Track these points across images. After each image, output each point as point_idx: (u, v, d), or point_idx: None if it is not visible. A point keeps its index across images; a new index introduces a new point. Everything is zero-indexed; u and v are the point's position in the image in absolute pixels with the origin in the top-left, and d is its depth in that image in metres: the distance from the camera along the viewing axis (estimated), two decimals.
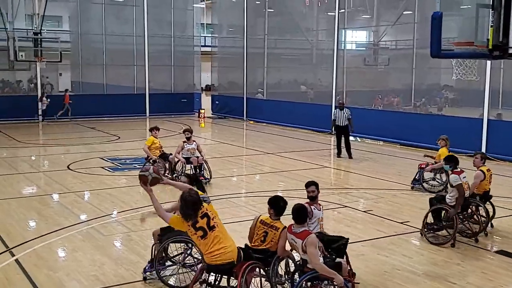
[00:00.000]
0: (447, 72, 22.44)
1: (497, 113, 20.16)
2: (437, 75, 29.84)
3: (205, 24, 44.08)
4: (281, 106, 26.09)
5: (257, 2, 29.25)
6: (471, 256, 8.29)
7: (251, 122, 27.67)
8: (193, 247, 7.19)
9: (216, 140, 22.41)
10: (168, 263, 7.24)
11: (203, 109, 30.00)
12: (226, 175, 14.33)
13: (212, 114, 30.50)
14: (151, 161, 13.06)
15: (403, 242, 8.92)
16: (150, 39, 29.75)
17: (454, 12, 12.74)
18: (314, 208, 6.98)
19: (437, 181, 12.55)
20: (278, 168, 15.45)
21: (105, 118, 27.70)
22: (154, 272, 7.02)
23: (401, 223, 9.94)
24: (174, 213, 6.26)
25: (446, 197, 8.94)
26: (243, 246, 6.28)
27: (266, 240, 6.39)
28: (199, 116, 29.52)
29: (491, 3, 7.56)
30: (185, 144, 13.22)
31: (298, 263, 6.35)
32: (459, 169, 8.96)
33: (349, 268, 6.66)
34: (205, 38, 42.18)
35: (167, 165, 13.21)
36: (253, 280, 6.13)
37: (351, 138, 17.62)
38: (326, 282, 5.96)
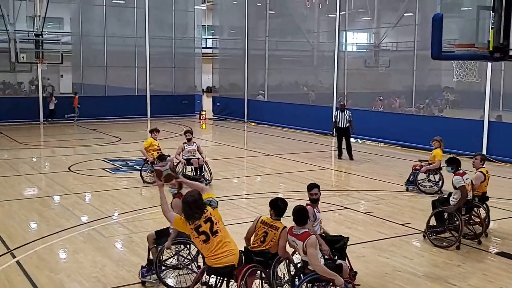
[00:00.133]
0: (447, 74, 22.48)
1: (498, 115, 20.14)
2: (437, 77, 29.85)
3: (206, 26, 44.08)
4: (282, 108, 26.11)
5: (258, 4, 29.27)
6: (472, 258, 8.28)
7: (252, 123, 27.69)
8: (185, 249, 7.20)
9: (217, 142, 22.42)
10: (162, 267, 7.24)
11: (204, 110, 30.04)
12: (227, 177, 14.34)
13: (213, 115, 30.53)
14: (148, 162, 13.12)
15: (404, 244, 8.92)
16: (151, 40, 29.80)
17: (454, 14, 12.79)
18: (316, 211, 6.99)
19: (432, 182, 12.55)
20: (279, 169, 15.46)
21: (106, 120, 27.74)
22: (153, 275, 7.02)
23: (402, 224, 9.95)
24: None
25: (450, 199, 8.91)
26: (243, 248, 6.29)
27: (266, 240, 6.39)
28: (200, 118, 29.57)
29: (491, 5, 7.57)
30: (185, 145, 13.24)
31: (299, 264, 6.36)
32: (461, 171, 8.92)
33: (349, 268, 6.67)
34: (206, 40, 42.18)
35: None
36: (253, 283, 6.14)
37: (352, 139, 17.63)
38: (326, 283, 5.96)
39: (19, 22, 27.07)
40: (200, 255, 7.18)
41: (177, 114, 29.87)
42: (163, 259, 7.22)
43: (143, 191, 12.58)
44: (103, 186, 13.03)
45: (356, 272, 7.03)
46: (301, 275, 6.11)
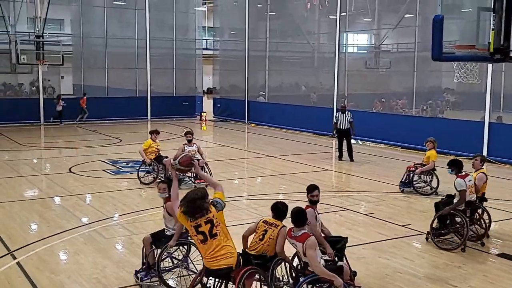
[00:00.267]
0: (448, 75, 22.45)
1: (498, 116, 20.14)
2: (438, 78, 29.82)
3: (206, 27, 44.12)
4: (282, 109, 26.11)
5: (258, 5, 29.27)
6: (473, 259, 8.28)
7: (253, 125, 27.69)
8: (176, 251, 7.18)
9: (217, 143, 22.43)
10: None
11: (205, 112, 30.05)
12: (227, 178, 14.33)
13: (213, 117, 30.54)
14: (146, 163, 13.18)
15: (405, 245, 8.92)
16: (152, 42, 29.81)
17: (455, 15, 12.78)
18: (317, 213, 6.99)
19: (424, 183, 12.55)
20: (279, 171, 15.46)
21: (107, 121, 27.75)
22: (153, 278, 7.01)
23: (403, 226, 9.94)
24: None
25: (454, 201, 8.88)
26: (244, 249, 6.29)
27: (264, 238, 6.40)
28: (200, 119, 29.57)
29: (492, 7, 7.58)
30: (186, 146, 13.24)
31: (300, 266, 6.35)
32: (463, 173, 8.87)
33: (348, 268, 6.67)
34: (206, 41, 42.20)
35: (160, 167, 13.23)
36: (252, 285, 6.14)
37: (352, 141, 17.62)
38: (326, 285, 5.96)
39: (19, 24, 27.07)
40: (191, 255, 7.22)
41: (177, 116, 29.88)
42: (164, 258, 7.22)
43: (143, 192, 12.58)
44: (103, 187, 13.04)
45: (355, 272, 7.02)
46: (302, 276, 6.11)
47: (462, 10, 12.68)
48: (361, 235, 9.36)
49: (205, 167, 13.21)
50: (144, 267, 7.19)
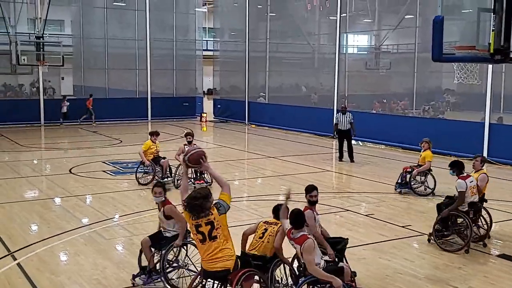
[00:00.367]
0: (448, 76, 22.45)
1: (499, 117, 20.14)
2: (438, 79, 29.83)
3: (207, 28, 44.13)
4: (282, 110, 26.10)
5: (258, 6, 29.27)
6: (473, 260, 8.27)
7: (253, 125, 27.69)
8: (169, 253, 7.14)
9: (217, 144, 22.43)
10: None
11: (205, 113, 30.05)
12: (227, 179, 14.27)
13: (214, 118, 30.53)
14: (144, 164, 13.21)
15: (405, 246, 8.92)
16: (152, 43, 29.80)
17: (455, 16, 12.77)
18: (316, 214, 6.99)
19: (420, 183, 12.55)
20: (280, 172, 15.46)
21: (107, 122, 27.74)
22: (155, 281, 7.01)
23: (403, 227, 9.94)
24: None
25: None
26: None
27: (264, 236, 6.42)
28: (201, 120, 29.57)
29: (492, 7, 7.58)
30: (186, 147, 13.23)
31: (300, 267, 6.35)
32: (465, 174, 8.86)
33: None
34: (207, 42, 42.22)
35: (158, 168, 13.23)
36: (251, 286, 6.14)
37: (353, 141, 17.62)
38: (326, 285, 5.95)
39: (20, 25, 27.08)
40: (183, 255, 7.22)
41: (178, 116, 29.87)
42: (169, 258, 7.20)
43: (143, 193, 12.57)
44: (104, 188, 13.04)
45: (355, 273, 7.01)
46: (303, 277, 6.11)
47: (462, 11, 12.69)
48: (361, 236, 9.36)
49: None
50: (143, 271, 7.16)
